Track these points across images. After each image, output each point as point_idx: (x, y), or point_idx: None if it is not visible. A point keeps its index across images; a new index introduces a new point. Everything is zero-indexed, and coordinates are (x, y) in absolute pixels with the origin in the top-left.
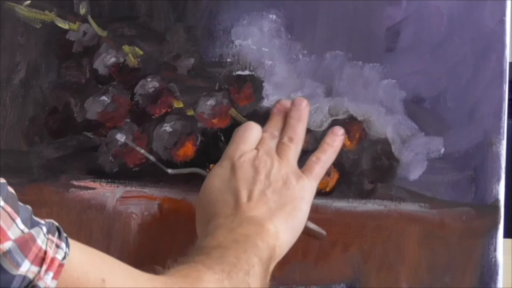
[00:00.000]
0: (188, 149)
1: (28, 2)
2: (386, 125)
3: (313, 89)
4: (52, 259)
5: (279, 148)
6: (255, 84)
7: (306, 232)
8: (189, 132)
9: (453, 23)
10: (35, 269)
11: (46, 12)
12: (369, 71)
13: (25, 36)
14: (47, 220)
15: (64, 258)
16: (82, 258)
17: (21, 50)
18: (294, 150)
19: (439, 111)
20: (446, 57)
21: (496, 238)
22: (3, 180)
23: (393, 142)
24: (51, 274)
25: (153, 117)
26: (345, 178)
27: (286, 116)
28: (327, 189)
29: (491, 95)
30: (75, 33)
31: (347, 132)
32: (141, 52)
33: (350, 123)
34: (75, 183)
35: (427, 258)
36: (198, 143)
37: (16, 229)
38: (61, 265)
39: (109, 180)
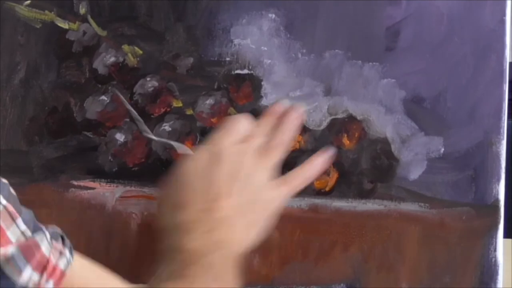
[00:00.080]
0: None
1: (28, 2)
2: (386, 124)
3: (312, 88)
4: (54, 267)
5: (266, 150)
6: (254, 83)
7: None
8: (188, 132)
9: (453, 22)
10: (36, 276)
11: (46, 12)
12: (369, 70)
13: (25, 36)
14: (51, 226)
15: (67, 266)
16: (83, 270)
17: (21, 50)
18: (279, 155)
19: (439, 110)
20: (446, 57)
21: (496, 238)
22: (5, 180)
23: (392, 141)
24: (51, 282)
25: (152, 116)
26: (345, 178)
27: (280, 119)
28: (327, 189)
29: (491, 95)
30: (75, 32)
31: (347, 132)
32: (141, 52)
33: (349, 122)
34: (75, 183)
35: (427, 258)
36: (197, 143)
37: (16, 229)
38: (62, 274)
39: (109, 180)
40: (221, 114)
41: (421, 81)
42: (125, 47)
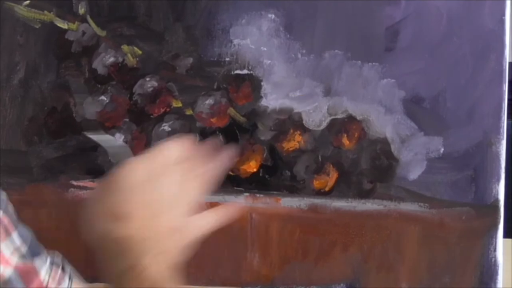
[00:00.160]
0: None
1: (27, 2)
2: (385, 124)
3: (312, 89)
4: None
5: (196, 179)
6: (253, 83)
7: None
8: (188, 132)
9: (452, 22)
10: None
11: (45, 12)
12: (368, 71)
13: (24, 36)
14: (52, 252)
15: None
16: None
17: (20, 50)
18: (205, 187)
19: (438, 110)
20: (445, 57)
21: (496, 238)
22: (4, 193)
23: (392, 141)
24: None
25: (152, 116)
26: (344, 178)
27: (215, 153)
28: (326, 189)
29: (491, 95)
30: (74, 33)
31: (346, 132)
32: (140, 52)
33: (349, 123)
34: (74, 183)
35: (426, 258)
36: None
37: (10, 243)
38: None
39: None
40: (220, 114)
41: (420, 81)
42: (125, 47)
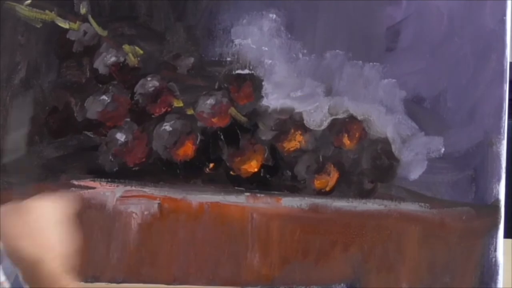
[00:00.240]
0: (188, 148)
1: (29, 1)
2: (386, 124)
3: (313, 88)
4: None
5: None
6: (254, 83)
7: None
8: (189, 131)
9: (453, 22)
10: None
11: (47, 11)
12: (369, 71)
13: (26, 35)
14: None
15: None
16: None
17: (21, 49)
18: None
19: (439, 110)
20: (446, 57)
21: (496, 238)
22: None
23: (393, 141)
24: None
25: (153, 116)
26: (345, 178)
27: None
28: (327, 189)
29: (491, 95)
30: (75, 32)
31: (347, 132)
32: (141, 52)
33: (350, 123)
34: (75, 182)
35: (427, 258)
36: (197, 142)
37: None
38: None
39: (109, 179)
40: (221, 114)
41: (421, 81)
42: (126, 47)
